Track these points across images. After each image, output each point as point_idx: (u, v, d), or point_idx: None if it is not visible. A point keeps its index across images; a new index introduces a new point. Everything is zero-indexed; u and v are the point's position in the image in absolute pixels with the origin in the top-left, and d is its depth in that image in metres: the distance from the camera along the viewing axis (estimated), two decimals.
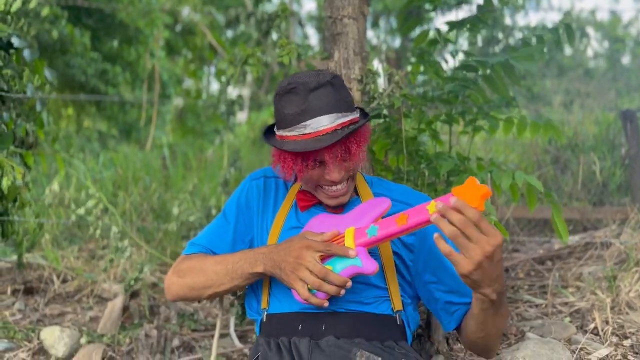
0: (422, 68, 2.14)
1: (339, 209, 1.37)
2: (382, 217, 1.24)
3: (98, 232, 2.13)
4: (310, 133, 1.23)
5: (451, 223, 1.04)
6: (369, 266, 1.18)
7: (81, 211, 2.15)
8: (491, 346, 1.33)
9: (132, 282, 1.98)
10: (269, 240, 1.37)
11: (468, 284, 1.11)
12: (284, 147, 1.26)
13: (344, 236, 1.23)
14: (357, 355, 1.18)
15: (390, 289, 1.32)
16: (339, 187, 1.31)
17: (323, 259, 1.21)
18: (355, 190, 1.42)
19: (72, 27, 7.64)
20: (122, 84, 8.76)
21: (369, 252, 1.22)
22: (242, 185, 1.49)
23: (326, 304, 1.20)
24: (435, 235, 1.07)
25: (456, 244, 1.05)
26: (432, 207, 1.10)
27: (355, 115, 1.29)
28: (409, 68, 2.17)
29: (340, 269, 1.20)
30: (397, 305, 1.31)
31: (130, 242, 2.26)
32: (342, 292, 1.18)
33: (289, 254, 1.21)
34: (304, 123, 1.24)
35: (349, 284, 1.18)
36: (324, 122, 1.23)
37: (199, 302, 2.42)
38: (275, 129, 1.33)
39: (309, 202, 1.38)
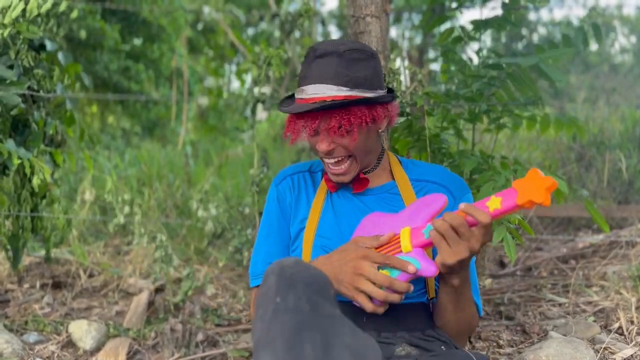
0: (451, 67, 2.13)
1: (362, 187, 1.36)
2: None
3: (145, 240, 2.16)
4: (304, 98, 1.25)
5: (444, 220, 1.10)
6: (428, 269, 1.15)
7: (121, 219, 2.19)
8: (453, 336, 1.35)
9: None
10: (306, 231, 1.36)
11: (443, 271, 1.16)
12: (285, 107, 1.29)
13: (399, 237, 1.19)
14: (398, 350, 1.19)
15: (428, 278, 1.32)
16: (333, 161, 1.30)
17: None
18: (391, 174, 1.41)
19: (103, 22, 7.77)
20: (145, 81, 8.87)
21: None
22: (270, 194, 1.48)
23: (384, 308, 1.17)
24: (431, 232, 1.12)
25: (448, 239, 1.10)
26: (492, 204, 1.08)
27: (367, 94, 1.25)
28: (435, 66, 2.17)
29: (397, 272, 1.16)
30: (432, 293, 1.33)
31: (166, 243, 2.29)
32: (402, 297, 1.16)
33: (345, 264, 1.18)
34: (302, 87, 1.26)
35: (411, 288, 1.16)
36: (316, 90, 1.23)
37: None
38: None
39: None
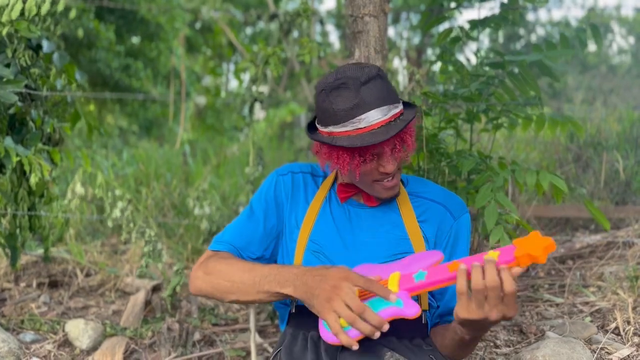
0: (449, 67, 2.13)
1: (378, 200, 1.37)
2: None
3: (134, 235, 2.14)
4: (365, 127, 1.22)
5: (483, 277, 1.05)
6: (411, 309, 1.11)
7: (117, 213, 2.17)
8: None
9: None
10: (300, 235, 1.36)
11: (455, 320, 1.15)
12: (338, 143, 1.23)
13: (387, 281, 1.17)
14: (387, 356, 1.18)
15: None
16: (391, 178, 1.30)
17: (363, 298, 1.15)
18: None
19: (97, 22, 7.77)
20: (144, 79, 8.86)
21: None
22: (269, 180, 1.47)
23: (356, 346, 1.10)
24: (462, 267, 1.08)
25: (474, 296, 1.07)
26: (490, 257, 1.07)
27: (401, 105, 1.28)
28: (435, 67, 2.17)
29: (379, 309, 1.12)
30: (424, 305, 1.33)
31: (155, 238, 2.28)
32: (377, 334, 1.10)
33: (324, 281, 1.15)
34: (358, 118, 1.22)
35: (386, 326, 1.10)
36: (377, 116, 1.22)
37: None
38: (318, 125, 1.31)
39: (348, 193, 1.38)
